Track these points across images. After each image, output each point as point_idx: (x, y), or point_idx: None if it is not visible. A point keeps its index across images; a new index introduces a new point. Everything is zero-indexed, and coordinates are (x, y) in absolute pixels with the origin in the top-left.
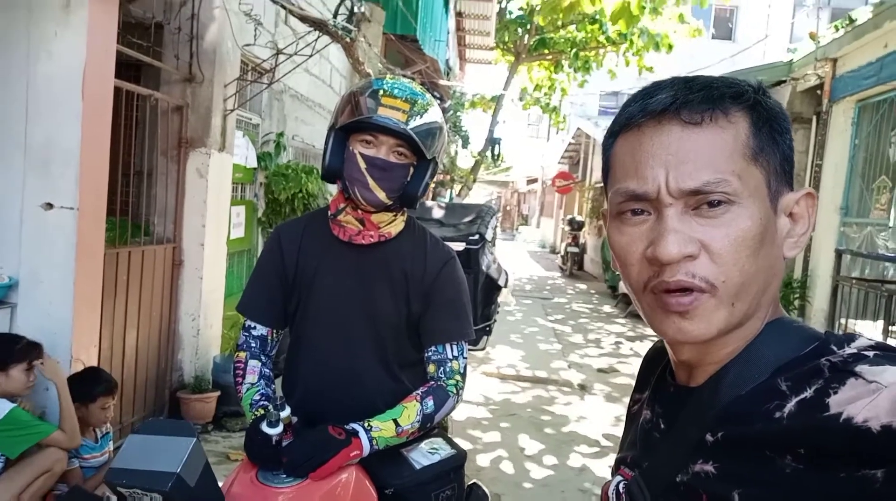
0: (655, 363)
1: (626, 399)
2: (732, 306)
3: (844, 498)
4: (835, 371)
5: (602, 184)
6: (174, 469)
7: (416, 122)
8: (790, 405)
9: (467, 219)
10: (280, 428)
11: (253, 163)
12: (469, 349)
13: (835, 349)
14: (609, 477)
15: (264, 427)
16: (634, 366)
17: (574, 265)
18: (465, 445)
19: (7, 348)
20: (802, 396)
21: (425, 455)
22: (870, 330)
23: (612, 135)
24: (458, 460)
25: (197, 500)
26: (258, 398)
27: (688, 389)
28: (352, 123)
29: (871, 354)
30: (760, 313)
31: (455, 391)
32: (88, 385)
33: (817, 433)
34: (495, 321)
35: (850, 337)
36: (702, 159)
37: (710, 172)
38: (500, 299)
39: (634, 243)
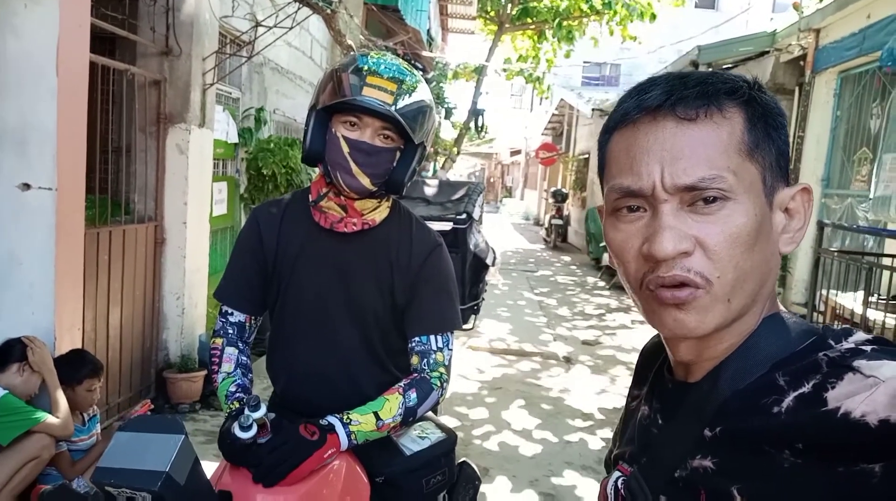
0: (653, 358)
1: (612, 371)
2: (728, 303)
3: (843, 493)
4: (833, 366)
5: (586, 156)
6: (163, 467)
7: (402, 103)
8: (788, 400)
9: (455, 197)
10: (253, 431)
11: (234, 138)
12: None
13: (832, 343)
14: (596, 448)
15: (236, 431)
16: (620, 338)
17: (558, 237)
18: (452, 421)
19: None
20: (800, 391)
21: (415, 440)
22: (849, 302)
23: (608, 131)
24: (449, 444)
25: (187, 497)
26: (234, 389)
27: (686, 384)
28: (334, 104)
29: (868, 348)
30: (757, 308)
31: (439, 383)
32: (74, 368)
33: (815, 427)
34: (483, 299)
35: (848, 332)
36: (697, 155)
37: (705, 169)
38: (487, 278)
39: (630, 240)
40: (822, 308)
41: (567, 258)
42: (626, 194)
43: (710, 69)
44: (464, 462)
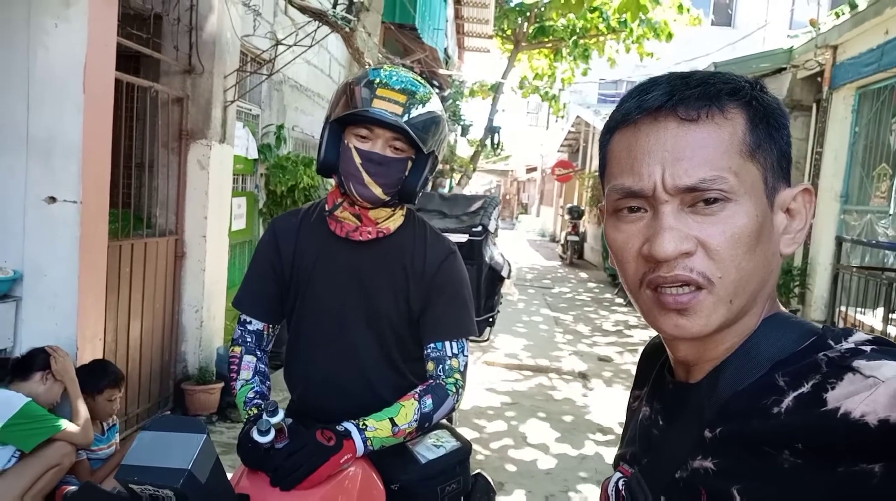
0: (654, 358)
1: (629, 387)
2: (731, 303)
3: (842, 493)
4: (832, 366)
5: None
6: (185, 465)
7: (413, 114)
8: (788, 401)
9: (470, 210)
10: (271, 436)
11: (254, 154)
12: (472, 340)
13: (832, 344)
14: (611, 466)
15: (254, 435)
16: (637, 355)
17: (574, 254)
18: (469, 434)
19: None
20: (800, 391)
21: (430, 448)
22: (869, 318)
23: (609, 131)
24: (464, 453)
25: (208, 496)
26: (252, 395)
27: (686, 385)
28: (346, 116)
29: (868, 348)
30: (757, 309)
31: (454, 389)
32: (95, 377)
33: (815, 428)
34: (498, 311)
35: (848, 332)
36: (698, 156)
37: (707, 170)
38: (502, 290)
39: (631, 241)
40: (841, 325)
41: (584, 275)
42: (626, 195)
43: None
44: (479, 473)
